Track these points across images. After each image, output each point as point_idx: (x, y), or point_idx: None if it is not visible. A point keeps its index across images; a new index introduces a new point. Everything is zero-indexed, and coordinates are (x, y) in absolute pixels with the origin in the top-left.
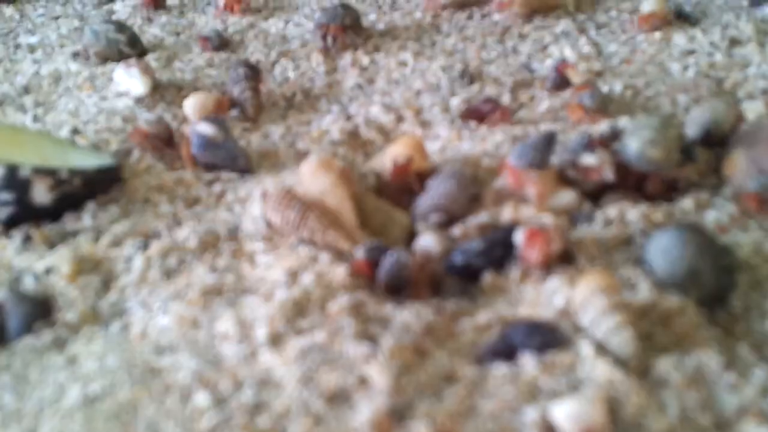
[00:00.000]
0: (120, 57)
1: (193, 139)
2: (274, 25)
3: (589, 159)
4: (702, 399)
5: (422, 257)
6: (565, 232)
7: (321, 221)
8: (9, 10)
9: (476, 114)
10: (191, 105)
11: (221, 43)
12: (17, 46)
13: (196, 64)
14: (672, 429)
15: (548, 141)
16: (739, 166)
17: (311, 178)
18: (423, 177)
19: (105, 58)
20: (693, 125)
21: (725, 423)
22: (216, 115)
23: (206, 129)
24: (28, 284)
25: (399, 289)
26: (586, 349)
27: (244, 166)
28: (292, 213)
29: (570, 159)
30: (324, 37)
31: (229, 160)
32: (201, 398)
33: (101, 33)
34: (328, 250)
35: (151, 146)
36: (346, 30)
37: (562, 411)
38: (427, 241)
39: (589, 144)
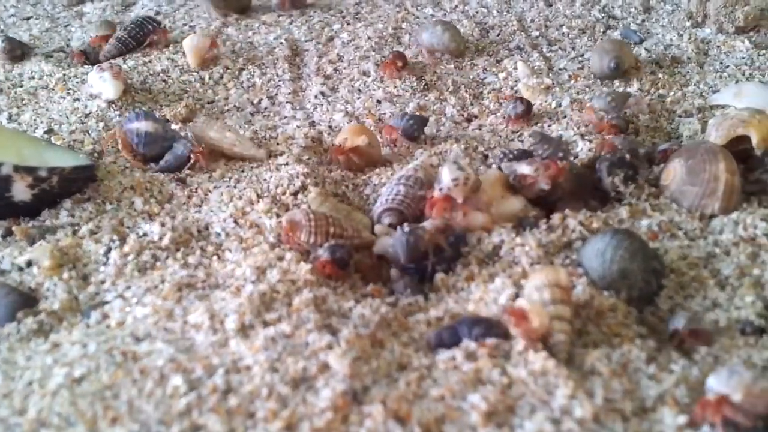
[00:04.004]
0: None
1: (134, 138)
2: (242, 33)
3: (524, 168)
4: (626, 388)
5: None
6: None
7: (352, 228)
8: None
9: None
10: (189, 45)
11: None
12: None
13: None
14: (597, 413)
15: (422, 121)
16: (675, 174)
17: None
18: (367, 157)
19: None
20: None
21: (646, 409)
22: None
23: (145, 126)
24: (11, 276)
25: (418, 259)
26: (518, 342)
27: (189, 151)
28: (332, 228)
29: (511, 169)
30: None
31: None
32: (176, 382)
33: None
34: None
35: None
36: None
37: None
38: (387, 243)
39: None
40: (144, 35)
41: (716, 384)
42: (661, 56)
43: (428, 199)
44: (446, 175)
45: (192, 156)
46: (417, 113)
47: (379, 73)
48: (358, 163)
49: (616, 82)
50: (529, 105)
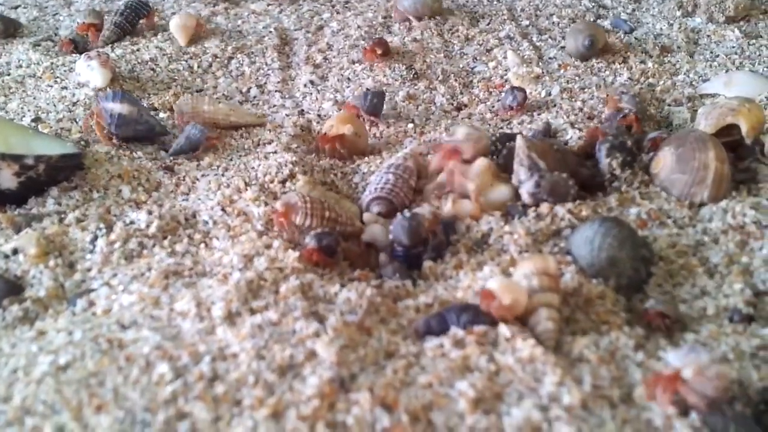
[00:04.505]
0: None
1: (107, 118)
2: (231, 21)
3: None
4: (614, 375)
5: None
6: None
7: (346, 214)
8: None
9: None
10: (176, 24)
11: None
12: None
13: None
14: (585, 400)
15: (381, 95)
16: (665, 163)
17: None
18: (352, 146)
19: None
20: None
21: (632, 396)
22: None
23: (119, 108)
24: None
25: (421, 242)
26: (504, 329)
27: (161, 131)
28: (327, 212)
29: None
30: None
31: (147, 131)
32: (162, 369)
33: None
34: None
35: None
36: None
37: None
38: (375, 231)
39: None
40: (138, 18)
41: (673, 359)
42: (651, 45)
43: (437, 146)
44: (461, 130)
45: (206, 141)
46: (377, 89)
47: (369, 62)
48: (343, 151)
49: (594, 62)
50: (525, 94)
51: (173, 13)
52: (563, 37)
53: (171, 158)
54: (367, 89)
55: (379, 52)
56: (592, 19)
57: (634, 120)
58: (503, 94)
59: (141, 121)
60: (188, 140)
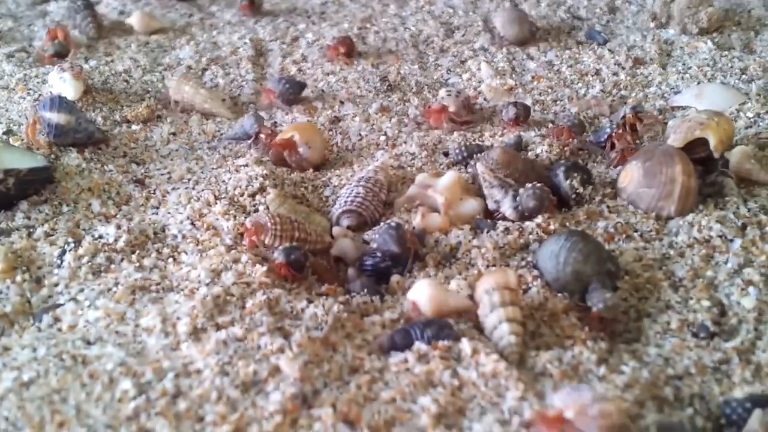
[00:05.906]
0: None
1: (45, 127)
2: (206, 32)
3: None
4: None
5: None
6: None
7: (315, 232)
8: None
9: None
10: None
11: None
12: None
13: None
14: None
15: (301, 85)
16: (633, 177)
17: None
18: (300, 156)
19: None
20: None
21: None
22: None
23: (58, 118)
24: None
25: (407, 251)
26: (466, 344)
27: (100, 137)
28: (297, 232)
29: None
30: None
31: (86, 138)
32: (125, 386)
33: None
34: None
35: None
36: None
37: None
38: (344, 245)
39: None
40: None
41: (556, 399)
42: (624, 57)
43: (426, 109)
44: (442, 92)
45: (259, 136)
46: (295, 78)
47: (343, 73)
48: (292, 159)
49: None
50: (527, 107)
51: None
52: (537, 49)
53: (226, 143)
54: (282, 77)
55: (342, 50)
56: (566, 31)
57: (566, 132)
58: (503, 108)
59: (80, 130)
60: (242, 129)
